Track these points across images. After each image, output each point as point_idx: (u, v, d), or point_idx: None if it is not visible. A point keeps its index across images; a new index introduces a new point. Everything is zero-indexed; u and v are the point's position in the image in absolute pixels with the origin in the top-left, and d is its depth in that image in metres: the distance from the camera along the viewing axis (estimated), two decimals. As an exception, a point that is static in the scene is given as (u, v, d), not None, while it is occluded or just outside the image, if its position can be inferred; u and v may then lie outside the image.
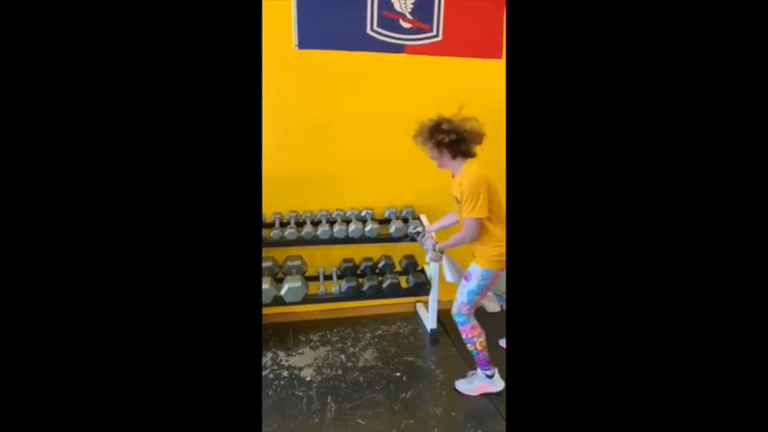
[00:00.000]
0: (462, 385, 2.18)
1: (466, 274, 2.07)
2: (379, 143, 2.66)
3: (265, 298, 2.34)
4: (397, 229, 2.54)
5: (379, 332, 2.67)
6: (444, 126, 1.94)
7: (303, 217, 2.59)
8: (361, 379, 2.24)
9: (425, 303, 2.84)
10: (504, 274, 2.08)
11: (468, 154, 1.99)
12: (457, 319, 2.07)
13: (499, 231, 1.98)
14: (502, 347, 2.44)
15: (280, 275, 2.54)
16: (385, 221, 2.66)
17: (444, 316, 2.67)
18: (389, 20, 2.49)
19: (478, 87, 2.67)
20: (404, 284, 2.57)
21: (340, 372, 2.30)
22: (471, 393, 2.14)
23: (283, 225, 2.54)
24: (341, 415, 1.99)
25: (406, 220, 2.62)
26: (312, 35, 2.44)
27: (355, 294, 2.46)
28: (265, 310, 2.68)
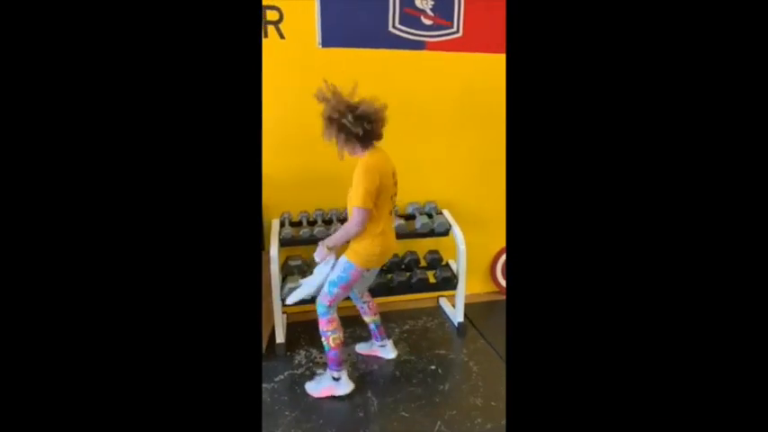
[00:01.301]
0: (310, 386, 2.13)
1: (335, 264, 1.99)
2: (399, 140, 2.67)
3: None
4: (423, 225, 2.56)
5: (407, 327, 2.69)
6: (357, 112, 1.81)
7: (329, 215, 2.59)
8: (398, 373, 2.26)
9: (448, 298, 2.87)
10: (368, 275, 2.05)
11: (371, 141, 1.88)
12: (317, 309, 2.03)
13: (375, 229, 1.87)
14: (358, 353, 2.43)
15: (309, 274, 2.53)
16: (409, 217, 2.68)
17: (469, 309, 2.71)
18: (411, 17, 2.52)
19: (497, 83, 2.70)
20: (431, 279, 2.60)
21: (375, 367, 2.31)
22: (316, 395, 2.08)
23: (310, 223, 2.55)
24: (384, 409, 2.01)
25: (430, 216, 2.65)
26: (335, 34, 2.45)
27: (385, 290, 2.48)
28: (289, 310, 2.68)
